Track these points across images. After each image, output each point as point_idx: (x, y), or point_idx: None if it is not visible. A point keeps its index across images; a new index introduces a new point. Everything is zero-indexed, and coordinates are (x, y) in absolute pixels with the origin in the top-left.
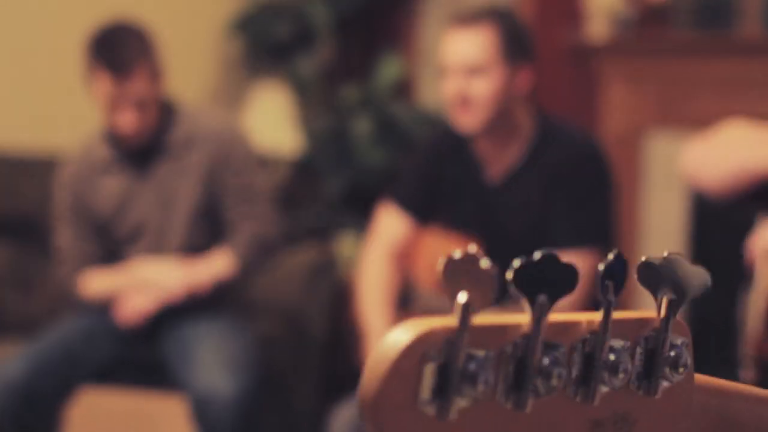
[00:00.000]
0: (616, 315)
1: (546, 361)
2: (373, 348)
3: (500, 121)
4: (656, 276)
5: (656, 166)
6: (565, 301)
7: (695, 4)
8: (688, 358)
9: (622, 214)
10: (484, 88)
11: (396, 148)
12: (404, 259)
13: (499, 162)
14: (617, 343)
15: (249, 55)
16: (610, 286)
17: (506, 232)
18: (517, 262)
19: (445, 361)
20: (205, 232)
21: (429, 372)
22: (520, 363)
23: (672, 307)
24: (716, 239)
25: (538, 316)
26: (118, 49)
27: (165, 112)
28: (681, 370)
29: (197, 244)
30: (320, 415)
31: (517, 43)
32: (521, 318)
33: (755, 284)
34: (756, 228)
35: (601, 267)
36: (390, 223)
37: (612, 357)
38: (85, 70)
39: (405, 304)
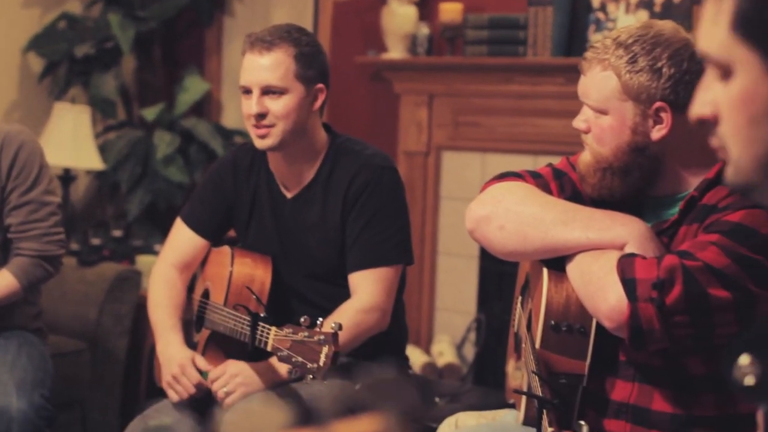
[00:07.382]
0: None
1: None
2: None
3: (296, 138)
4: None
5: (449, 181)
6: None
7: (487, 24)
8: None
9: (419, 229)
10: (281, 107)
11: (197, 165)
12: (189, 271)
13: (295, 179)
14: None
15: (50, 74)
16: None
17: (304, 248)
18: None
19: None
20: None
21: None
22: None
23: None
24: None
25: None
26: None
27: None
28: None
29: None
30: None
31: (312, 63)
32: None
33: None
34: None
35: None
36: (181, 239)
37: None
38: None
39: (199, 326)
